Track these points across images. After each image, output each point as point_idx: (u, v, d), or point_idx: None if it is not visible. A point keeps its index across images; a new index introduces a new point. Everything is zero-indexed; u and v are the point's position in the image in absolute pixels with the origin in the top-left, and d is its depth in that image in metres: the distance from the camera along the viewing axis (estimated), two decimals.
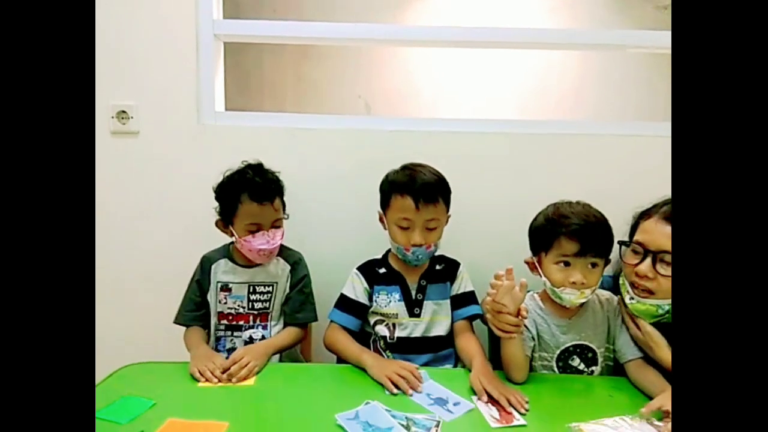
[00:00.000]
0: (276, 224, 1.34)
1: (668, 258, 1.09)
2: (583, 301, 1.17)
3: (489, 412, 1.00)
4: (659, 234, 1.11)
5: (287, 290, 1.39)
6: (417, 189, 1.23)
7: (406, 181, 1.25)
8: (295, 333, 1.36)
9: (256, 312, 1.37)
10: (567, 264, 1.14)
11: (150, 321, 1.62)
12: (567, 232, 1.14)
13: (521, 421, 0.97)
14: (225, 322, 1.37)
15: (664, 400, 0.98)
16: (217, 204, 1.35)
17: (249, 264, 1.37)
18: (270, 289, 1.38)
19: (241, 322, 1.36)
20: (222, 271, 1.38)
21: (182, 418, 0.96)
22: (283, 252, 1.41)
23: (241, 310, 1.37)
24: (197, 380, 1.13)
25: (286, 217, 1.39)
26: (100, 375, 1.12)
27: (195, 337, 1.34)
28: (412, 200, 1.22)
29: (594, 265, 1.15)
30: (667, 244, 1.09)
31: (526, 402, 1.03)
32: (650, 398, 1.05)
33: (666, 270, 1.10)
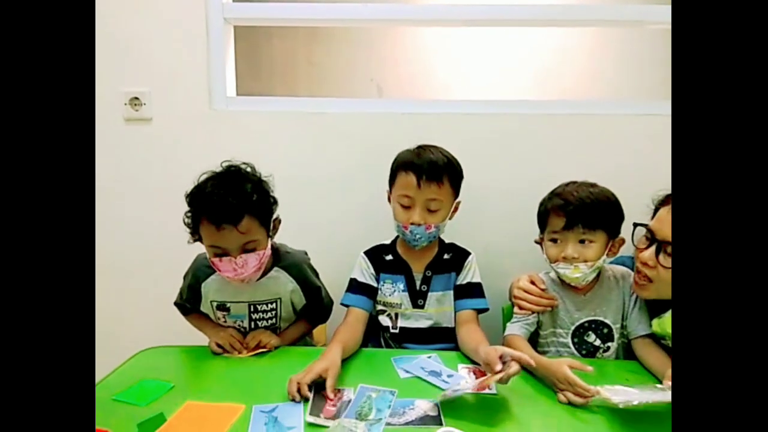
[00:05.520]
0: (248, 248, 1.11)
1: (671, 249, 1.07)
2: (579, 275, 1.15)
3: (468, 381, 1.05)
4: (668, 224, 1.08)
5: (301, 300, 1.29)
6: (420, 166, 1.20)
7: (412, 159, 1.23)
8: (305, 326, 1.34)
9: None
10: (559, 239, 1.17)
11: (164, 307, 1.64)
12: (554, 207, 1.17)
13: (493, 390, 1.00)
14: None
15: None
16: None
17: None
18: (274, 306, 1.26)
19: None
20: (214, 290, 1.23)
21: (200, 400, 0.98)
22: (282, 259, 1.25)
23: (243, 330, 1.26)
24: (217, 354, 1.18)
25: (271, 235, 1.17)
26: (118, 360, 1.15)
27: (202, 318, 1.29)
28: (414, 177, 1.20)
29: (586, 240, 1.15)
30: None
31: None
32: (657, 378, 1.07)
33: (666, 261, 1.07)
